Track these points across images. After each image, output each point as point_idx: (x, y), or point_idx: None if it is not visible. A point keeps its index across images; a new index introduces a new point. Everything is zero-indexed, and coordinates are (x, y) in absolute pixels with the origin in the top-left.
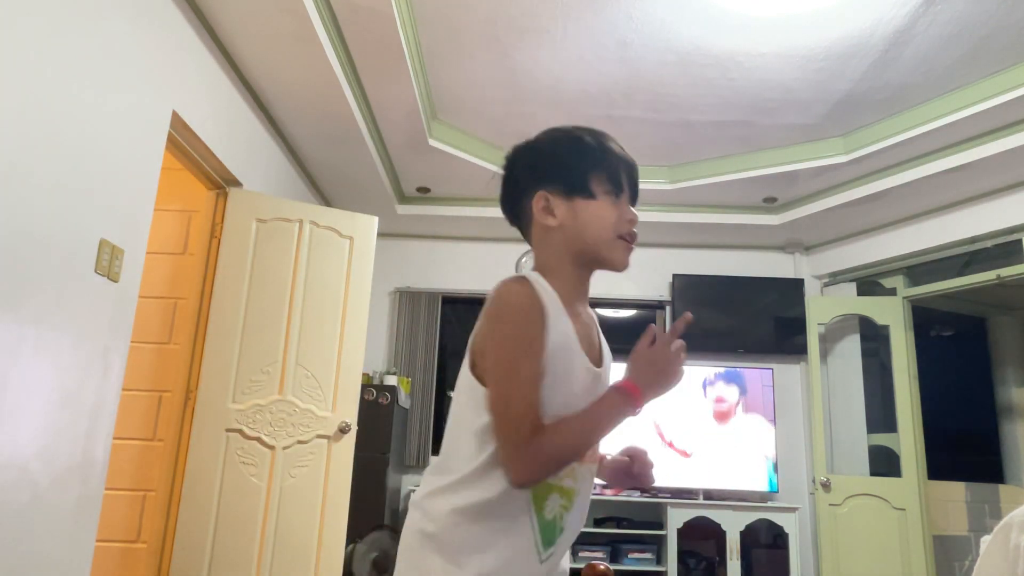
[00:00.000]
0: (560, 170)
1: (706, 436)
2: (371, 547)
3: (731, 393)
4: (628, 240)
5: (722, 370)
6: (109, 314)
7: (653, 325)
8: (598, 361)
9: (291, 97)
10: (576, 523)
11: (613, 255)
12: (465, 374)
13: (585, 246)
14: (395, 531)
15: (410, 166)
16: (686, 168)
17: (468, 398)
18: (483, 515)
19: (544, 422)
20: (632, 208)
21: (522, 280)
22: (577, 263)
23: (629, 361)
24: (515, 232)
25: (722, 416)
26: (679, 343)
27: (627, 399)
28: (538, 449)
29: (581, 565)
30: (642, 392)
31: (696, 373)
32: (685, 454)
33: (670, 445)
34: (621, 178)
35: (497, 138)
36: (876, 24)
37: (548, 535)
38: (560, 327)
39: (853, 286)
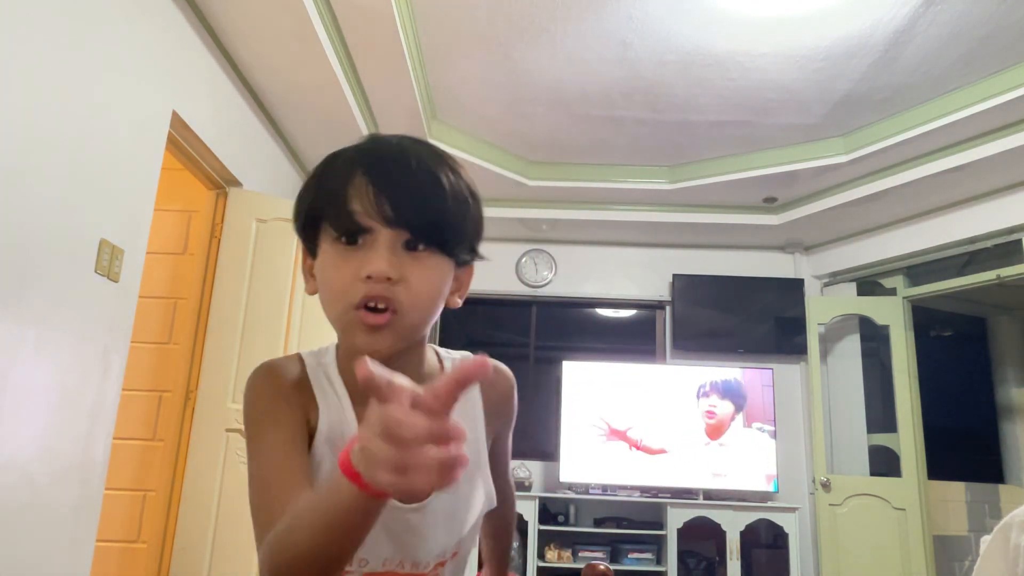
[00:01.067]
0: (298, 218)
1: (705, 437)
2: None
3: (724, 407)
4: (368, 310)
5: (719, 380)
6: (109, 314)
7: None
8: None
9: (291, 97)
10: None
11: (350, 339)
12: None
13: (331, 321)
14: None
15: None
16: (686, 168)
17: None
18: None
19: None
20: (388, 252)
21: (284, 358)
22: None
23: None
24: (515, 232)
25: (713, 431)
26: (451, 429)
27: (346, 484)
28: (280, 551)
29: (581, 565)
30: (364, 479)
31: (693, 375)
32: (656, 451)
33: (636, 446)
34: (347, 211)
35: (497, 138)
36: (876, 24)
37: None
38: (337, 421)
39: (853, 286)
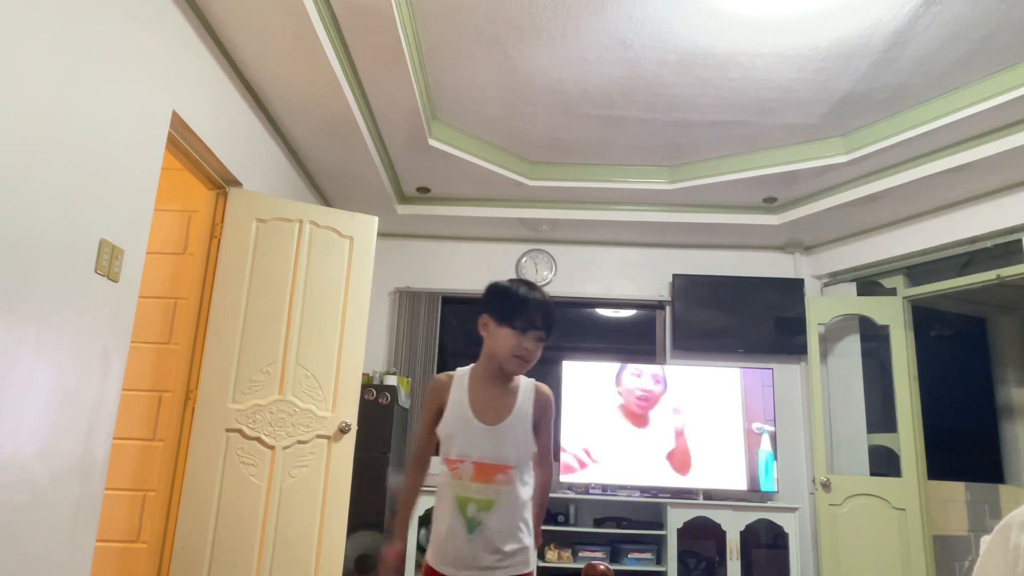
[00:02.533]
0: (496, 308)
1: (706, 436)
2: (355, 546)
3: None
4: (522, 359)
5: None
6: (109, 314)
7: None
8: (494, 420)
9: (291, 97)
10: (496, 519)
11: (508, 366)
12: None
13: (497, 355)
14: (383, 531)
15: (410, 166)
16: (686, 168)
17: None
18: (438, 518)
19: (421, 461)
20: (534, 340)
21: (447, 372)
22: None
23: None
24: (515, 232)
25: (634, 417)
26: None
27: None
28: (404, 474)
29: (581, 565)
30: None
31: (693, 375)
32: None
33: (586, 453)
34: (522, 321)
35: (497, 138)
36: (876, 24)
37: (471, 526)
38: (459, 398)
39: (853, 286)
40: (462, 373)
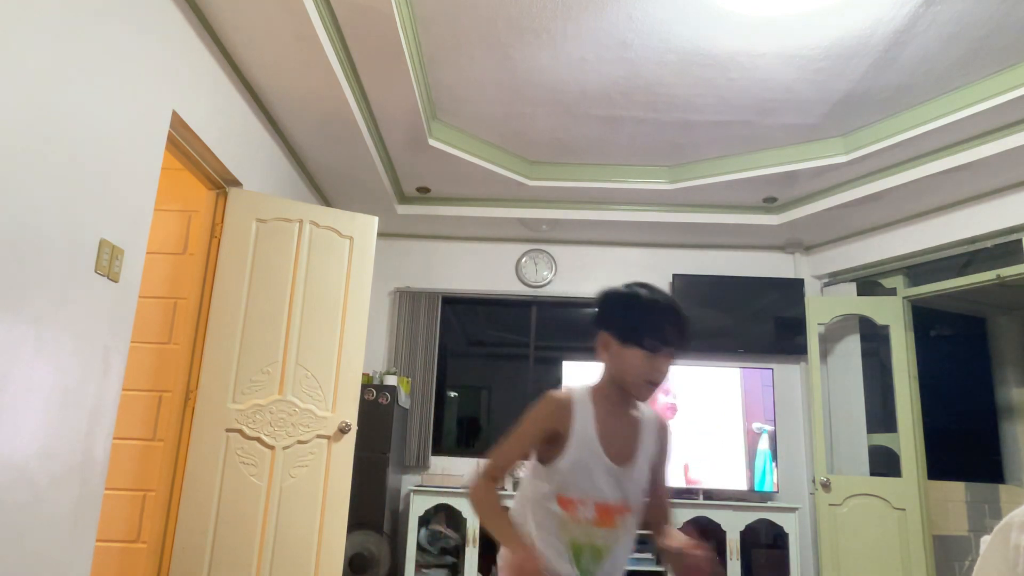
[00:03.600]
0: (619, 324)
1: (706, 436)
2: (350, 545)
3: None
4: (654, 385)
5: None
6: (109, 314)
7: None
8: (623, 459)
9: (291, 97)
10: (610, 570)
11: (638, 393)
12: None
13: (625, 380)
14: (379, 530)
15: (410, 166)
16: (686, 168)
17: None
18: (545, 544)
19: (499, 479)
20: (667, 361)
21: (568, 391)
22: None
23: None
24: (515, 232)
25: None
26: None
27: (507, 553)
28: (481, 487)
29: None
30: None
31: (693, 375)
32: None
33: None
34: (661, 341)
35: (497, 138)
36: (876, 24)
37: (584, 573)
38: (585, 429)
39: (853, 286)
40: (582, 396)
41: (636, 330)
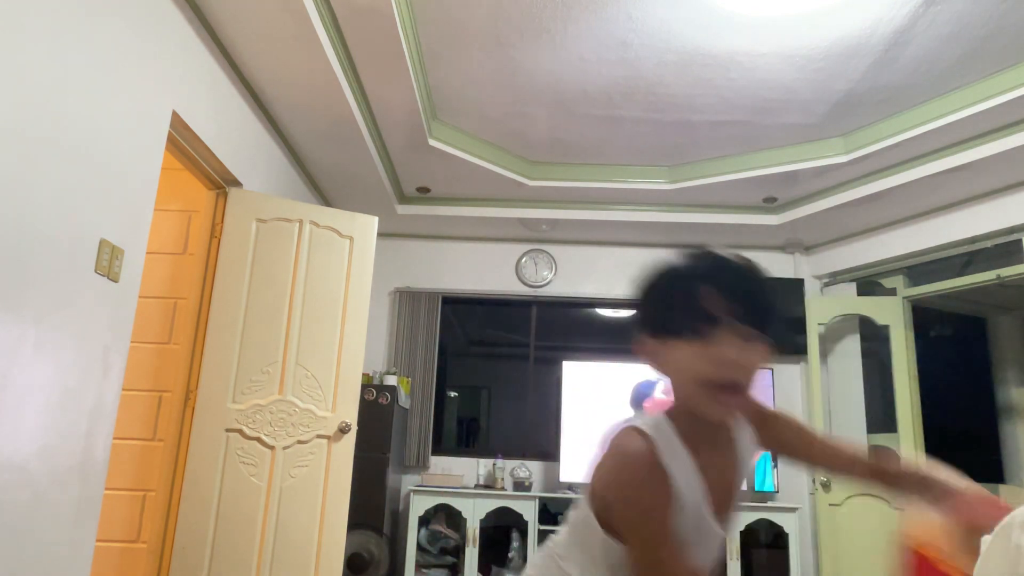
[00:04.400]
0: (650, 315)
1: None
2: (351, 545)
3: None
4: (723, 389)
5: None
6: (109, 314)
7: None
8: (729, 514)
9: (291, 97)
10: None
11: (707, 412)
12: (587, 512)
13: (682, 398)
14: (377, 530)
15: (410, 166)
16: (686, 168)
17: (591, 533)
18: None
19: None
20: (735, 344)
21: (642, 436)
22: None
23: None
24: (515, 232)
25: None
26: None
27: None
28: None
29: None
30: None
31: None
32: None
33: None
34: (701, 313)
35: (497, 138)
36: (876, 24)
37: None
38: (691, 491)
39: (853, 286)
40: (668, 439)
41: (667, 310)
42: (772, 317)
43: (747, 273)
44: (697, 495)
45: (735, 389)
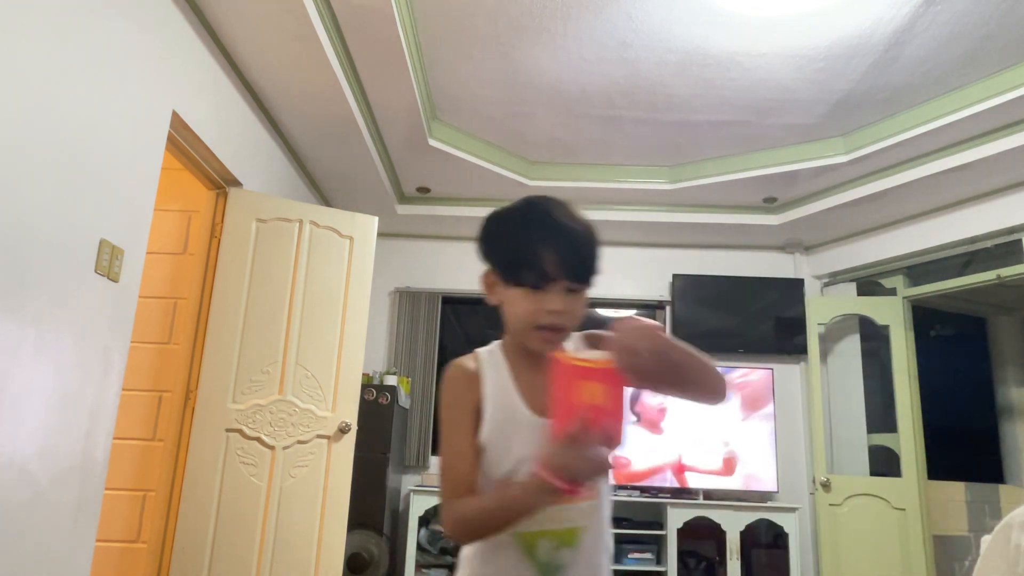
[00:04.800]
0: (493, 257)
1: (705, 435)
2: (351, 545)
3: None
4: (548, 330)
5: None
6: (109, 314)
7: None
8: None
9: (291, 97)
10: (582, 557)
11: (531, 344)
12: None
13: (512, 329)
14: (378, 531)
15: (410, 166)
16: (686, 168)
17: None
18: (485, 562)
19: (475, 488)
20: (561, 296)
21: (473, 354)
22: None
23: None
24: None
25: (652, 424)
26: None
27: (543, 486)
28: (454, 513)
29: None
30: (561, 478)
31: None
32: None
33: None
34: (539, 270)
35: (497, 138)
36: (876, 24)
37: (546, 572)
38: (498, 386)
39: (853, 286)
40: (491, 351)
41: (510, 263)
42: (596, 268)
43: (565, 223)
44: (510, 395)
45: (556, 329)
